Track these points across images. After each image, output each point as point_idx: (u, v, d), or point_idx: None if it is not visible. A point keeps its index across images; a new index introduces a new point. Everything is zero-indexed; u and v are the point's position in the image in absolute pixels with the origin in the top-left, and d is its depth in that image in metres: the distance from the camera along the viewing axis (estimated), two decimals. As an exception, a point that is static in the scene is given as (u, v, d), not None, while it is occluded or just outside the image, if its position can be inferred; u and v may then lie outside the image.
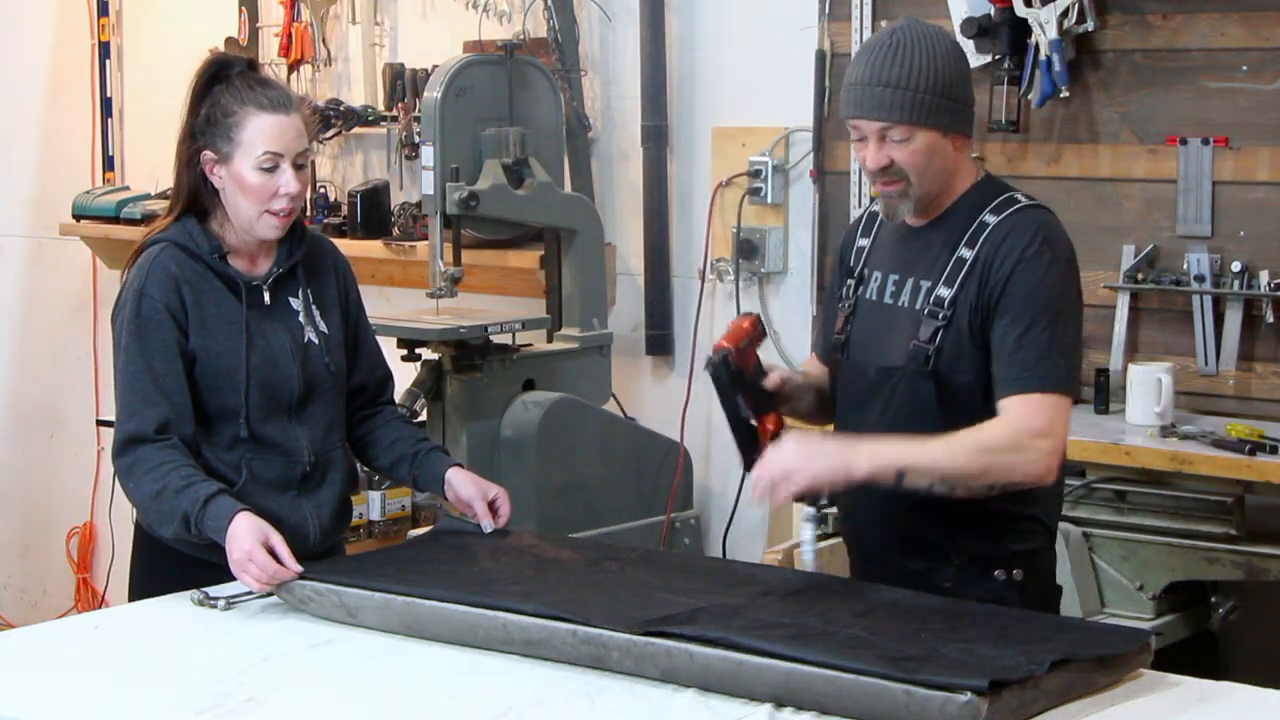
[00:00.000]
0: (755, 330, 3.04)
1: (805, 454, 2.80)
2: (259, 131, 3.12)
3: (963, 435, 2.84)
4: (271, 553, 2.97)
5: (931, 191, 2.98)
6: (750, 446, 2.99)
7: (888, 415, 2.99)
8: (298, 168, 3.16)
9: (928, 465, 2.81)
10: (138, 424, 3.11)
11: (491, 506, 3.27)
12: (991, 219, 2.95)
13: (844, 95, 3.00)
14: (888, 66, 2.91)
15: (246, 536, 2.98)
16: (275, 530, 3.01)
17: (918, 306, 2.97)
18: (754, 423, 3.00)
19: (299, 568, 2.98)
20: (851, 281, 3.12)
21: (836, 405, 3.14)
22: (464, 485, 3.29)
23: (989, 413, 2.89)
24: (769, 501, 2.83)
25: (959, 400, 2.93)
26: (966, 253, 2.94)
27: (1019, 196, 3.00)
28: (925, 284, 2.98)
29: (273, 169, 3.13)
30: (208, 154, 3.16)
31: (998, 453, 2.82)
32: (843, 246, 3.22)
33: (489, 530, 3.25)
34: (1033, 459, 2.83)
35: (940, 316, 2.94)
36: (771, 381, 3.05)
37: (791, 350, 5.05)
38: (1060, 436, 2.89)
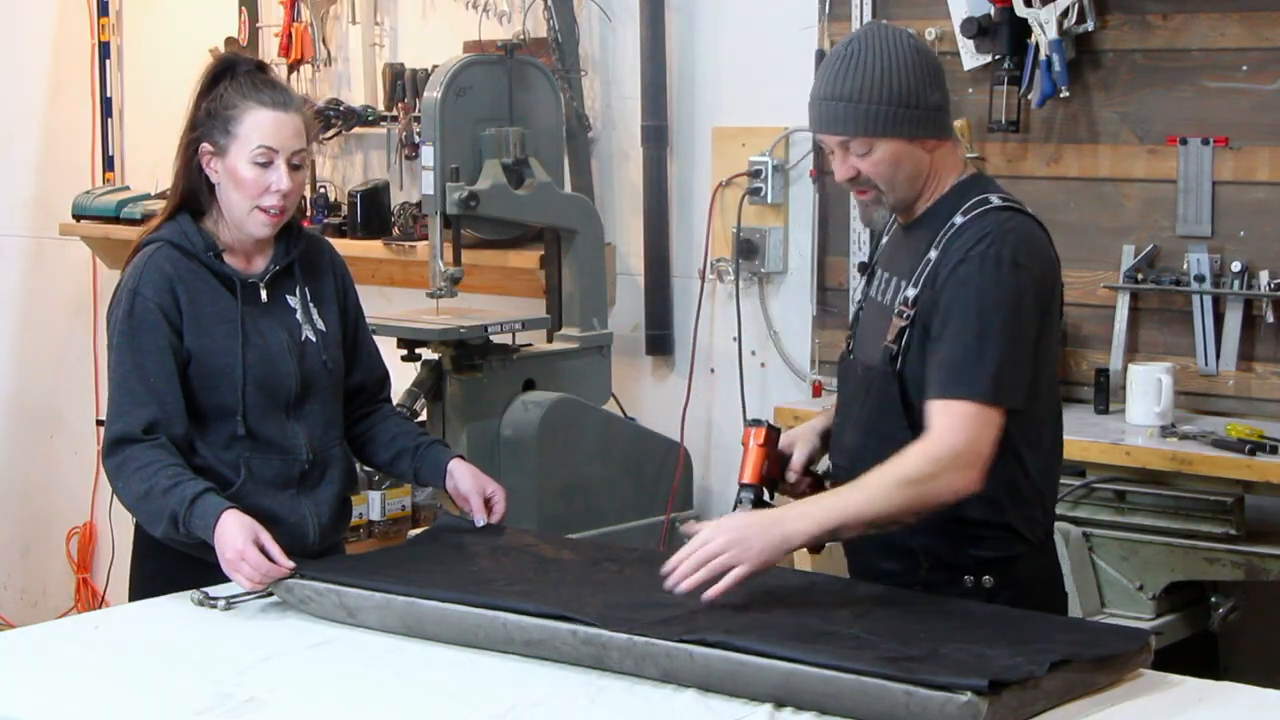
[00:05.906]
0: (772, 450, 2.95)
1: (739, 541, 2.72)
2: (256, 126, 3.13)
3: (880, 474, 2.78)
4: (263, 550, 2.98)
5: (908, 196, 2.95)
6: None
7: (864, 415, 2.97)
8: (293, 167, 3.16)
9: (854, 515, 2.76)
10: (125, 424, 3.11)
11: (487, 504, 3.28)
12: (959, 220, 2.90)
13: (808, 109, 2.98)
14: (842, 80, 2.89)
15: (238, 536, 2.98)
16: (264, 528, 3.01)
17: (895, 308, 2.94)
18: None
19: (291, 564, 2.98)
20: (868, 278, 3.12)
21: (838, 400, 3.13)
22: (464, 479, 3.29)
23: None
24: (706, 590, 2.71)
25: (923, 400, 2.87)
26: (933, 254, 2.90)
27: (993, 198, 2.92)
28: (902, 283, 2.95)
29: (267, 164, 3.14)
30: (205, 146, 3.17)
31: (917, 484, 2.76)
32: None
33: (482, 524, 3.25)
34: (953, 481, 2.76)
35: (904, 316, 2.90)
36: (799, 485, 3.02)
37: (791, 350, 5.05)
38: (983, 449, 2.78)
